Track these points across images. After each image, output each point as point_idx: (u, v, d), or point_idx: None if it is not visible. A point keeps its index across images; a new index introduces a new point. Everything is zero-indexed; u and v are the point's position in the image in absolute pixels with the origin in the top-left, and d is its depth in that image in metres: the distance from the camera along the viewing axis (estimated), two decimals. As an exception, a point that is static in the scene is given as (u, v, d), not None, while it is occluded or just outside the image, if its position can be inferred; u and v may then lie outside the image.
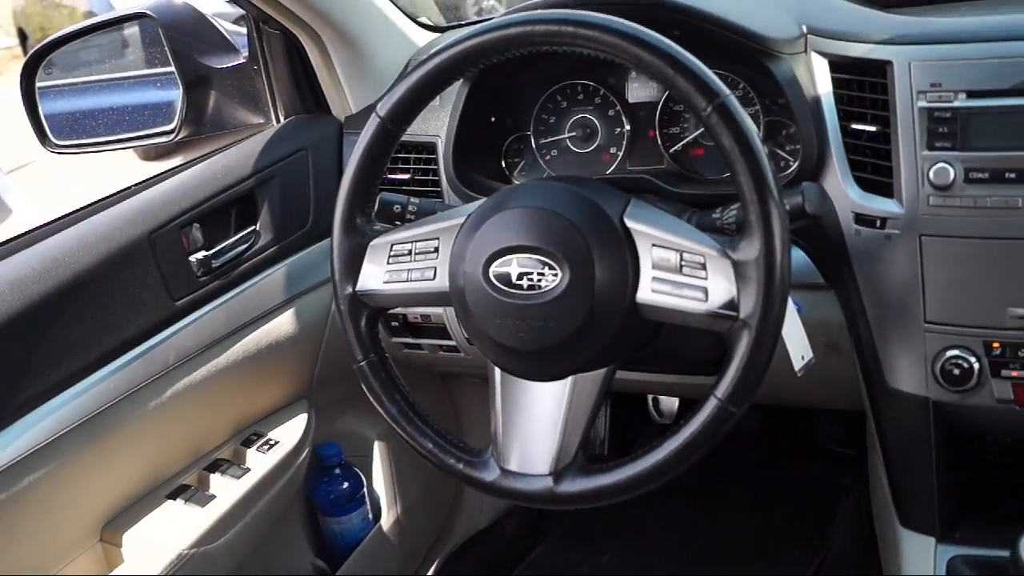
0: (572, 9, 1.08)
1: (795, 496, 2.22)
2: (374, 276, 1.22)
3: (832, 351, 1.40)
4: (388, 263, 1.22)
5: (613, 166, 1.54)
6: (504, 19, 1.11)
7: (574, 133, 1.56)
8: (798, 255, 1.36)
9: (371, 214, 1.25)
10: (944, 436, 1.32)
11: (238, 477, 1.57)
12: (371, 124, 1.19)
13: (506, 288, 1.11)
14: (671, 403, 2.09)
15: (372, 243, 1.23)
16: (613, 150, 1.55)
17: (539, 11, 1.10)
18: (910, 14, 1.35)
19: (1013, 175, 1.16)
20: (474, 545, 2.19)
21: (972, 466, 1.45)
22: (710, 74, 1.04)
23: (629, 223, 1.11)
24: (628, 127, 1.53)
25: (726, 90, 1.03)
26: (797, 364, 1.26)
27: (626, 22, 1.07)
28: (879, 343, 1.31)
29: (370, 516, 1.90)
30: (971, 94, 1.18)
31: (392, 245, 1.22)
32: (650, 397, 2.07)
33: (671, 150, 1.49)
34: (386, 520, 1.93)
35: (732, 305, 1.05)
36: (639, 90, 1.53)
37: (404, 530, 1.97)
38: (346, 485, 1.85)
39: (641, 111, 1.53)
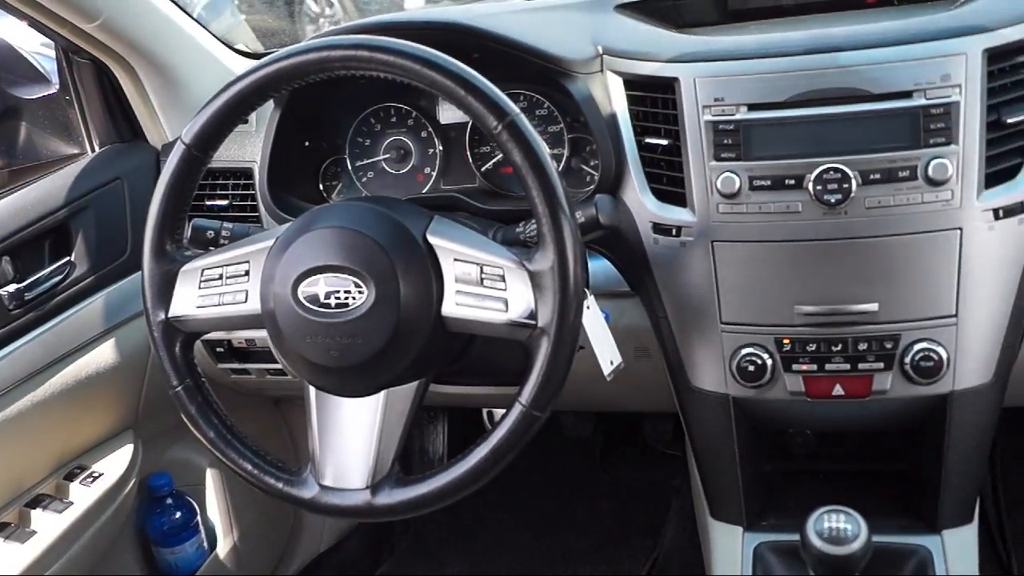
0: (375, 35, 1.12)
1: (629, 498, 2.29)
2: (186, 301, 1.22)
3: (642, 355, 1.46)
4: (200, 288, 1.22)
5: (428, 186, 1.57)
6: (302, 45, 1.14)
7: (389, 155, 1.58)
8: (604, 265, 1.42)
9: (182, 240, 1.25)
10: (746, 430, 1.40)
11: (60, 511, 1.54)
12: (176, 151, 1.19)
13: (315, 307, 1.13)
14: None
15: (183, 269, 1.22)
16: (427, 170, 1.58)
17: (337, 37, 1.13)
18: (704, 34, 1.43)
19: (792, 181, 1.24)
20: (316, 568, 2.18)
21: (776, 458, 1.53)
22: (500, 94, 1.09)
23: (432, 239, 1.15)
24: (441, 148, 1.56)
25: (515, 109, 1.08)
26: (606, 369, 1.31)
27: (419, 46, 1.10)
28: (681, 345, 1.38)
29: (205, 545, 1.88)
30: (751, 107, 1.26)
31: (203, 270, 1.22)
32: (484, 411, 2.11)
33: (482, 169, 1.53)
34: (222, 548, 1.91)
35: (531, 314, 1.10)
36: (449, 112, 1.57)
37: (242, 557, 1.94)
38: (179, 515, 1.82)
39: (453, 132, 1.57)
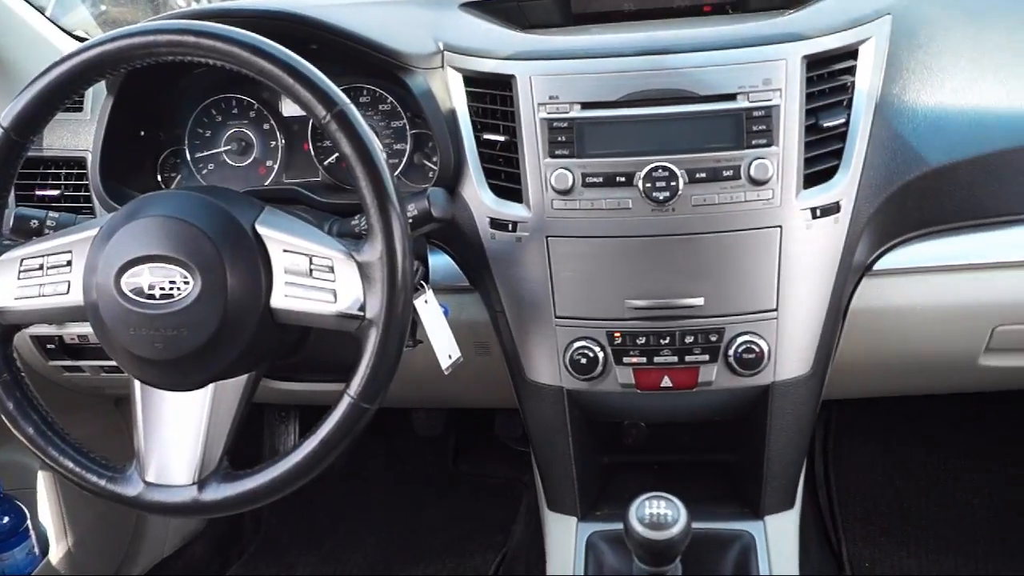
0: (209, 22, 1.10)
1: (481, 495, 2.31)
2: (3, 292, 1.18)
3: (482, 350, 1.48)
4: (19, 278, 1.18)
5: (270, 179, 1.55)
6: (128, 29, 1.11)
7: (230, 147, 1.56)
8: (444, 260, 1.43)
9: (1, 229, 1.21)
10: (580, 423, 1.43)
11: None
12: None
13: (139, 299, 1.10)
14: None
15: (0, 258, 1.18)
16: (269, 163, 1.56)
17: (165, 22, 1.11)
18: (547, 35, 1.45)
19: (623, 179, 1.28)
20: (160, 572, 2.13)
21: (612, 450, 1.57)
22: (329, 84, 1.08)
23: (261, 230, 1.14)
24: (283, 141, 1.55)
25: (345, 100, 1.08)
26: (444, 363, 1.33)
27: (248, 34, 1.09)
28: (518, 339, 1.40)
29: (36, 550, 1.81)
30: (584, 105, 1.29)
31: (22, 260, 1.18)
32: None
33: (324, 163, 1.53)
34: (55, 553, 1.84)
35: (360, 306, 1.10)
36: (292, 105, 1.55)
37: (77, 563, 1.88)
38: (7, 519, 1.75)
39: (295, 125, 1.55)
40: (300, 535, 2.26)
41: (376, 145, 1.08)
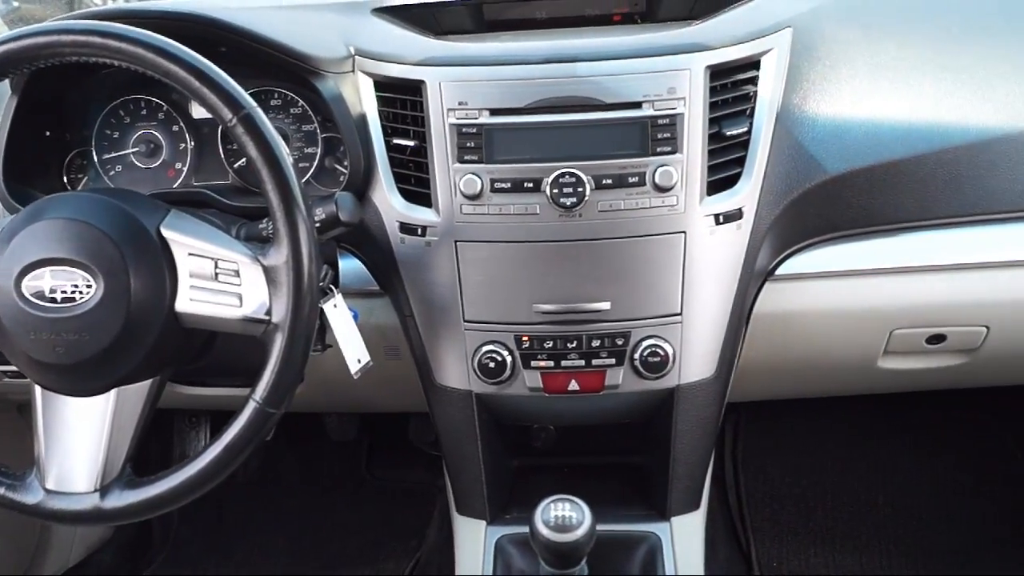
0: (117, 22, 1.09)
1: (394, 499, 2.31)
2: None
3: (392, 354, 1.48)
4: None
5: (179, 181, 1.53)
6: (32, 28, 1.10)
7: (138, 148, 1.53)
8: (355, 264, 1.43)
9: None
10: (489, 426, 1.44)
11: None
12: None
13: (40, 302, 1.09)
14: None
15: None
16: (179, 165, 1.54)
17: (71, 22, 1.09)
18: (459, 42, 1.46)
19: (531, 184, 1.29)
20: (65, 582, 2.08)
21: (521, 453, 1.58)
22: (235, 87, 1.08)
23: (166, 233, 1.13)
24: (192, 143, 1.53)
25: (251, 103, 1.08)
26: (353, 367, 1.33)
27: (154, 35, 1.08)
28: (428, 343, 1.40)
29: (-66, 561, 1.76)
30: (493, 111, 1.30)
31: None
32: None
33: (235, 166, 1.51)
34: (-46, 564, 1.79)
35: (266, 310, 1.09)
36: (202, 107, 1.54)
37: (-25, 574, 1.83)
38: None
39: (205, 128, 1.54)
40: (210, 542, 2.23)
41: (282, 149, 1.08)
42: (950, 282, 1.45)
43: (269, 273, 1.09)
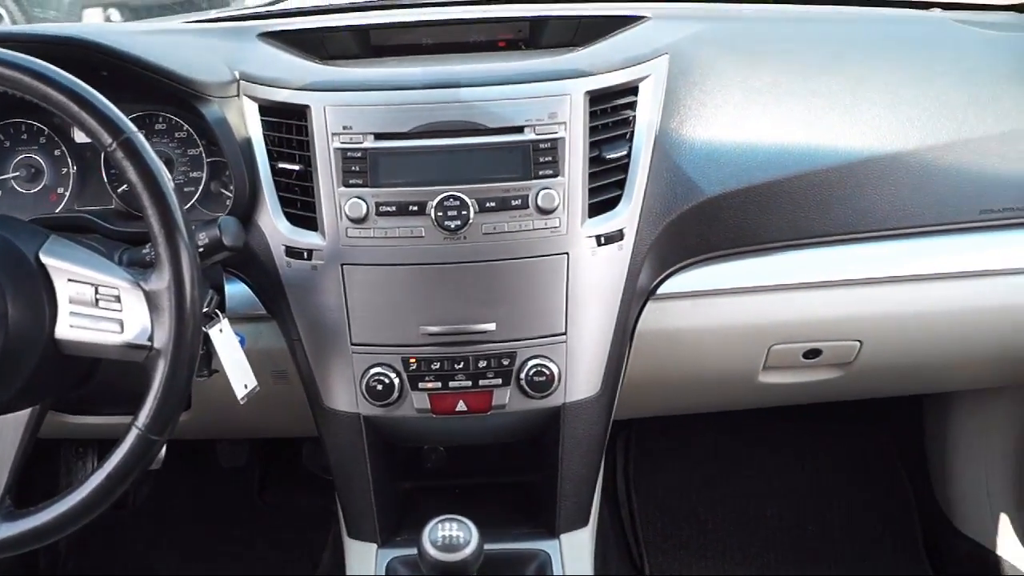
0: None
1: (288, 525, 2.28)
2: None
3: (280, 378, 1.47)
4: None
5: (61, 206, 1.50)
6: None
7: (19, 173, 1.50)
8: (241, 288, 1.42)
9: None
10: (379, 449, 1.44)
11: None
12: None
13: None
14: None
15: None
16: (61, 190, 1.51)
17: None
18: (345, 67, 1.47)
19: (415, 208, 1.30)
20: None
21: (412, 475, 1.59)
22: (115, 112, 1.07)
23: (45, 259, 1.12)
24: (75, 168, 1.50)
25: (132, 128, 1.07)
26: (240, 392, 1.32)
27: (30, 59, 1.07)
28: (315, 367, 1.40)
29: None
30: (377, 136, 1.31)
31: None
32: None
33: (118, 190, 1.49)
34: None
35: (147, 335, 1.08)
36: None
37: None
38: None
39: (88, 152, 1.51)
40: (101, 573, 2.17)
41: (163, 173, 1.08)
42: (824, 299, 1.50)
43: (151, 298, 1.09)
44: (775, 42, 1.56)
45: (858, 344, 1.56)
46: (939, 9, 1.78)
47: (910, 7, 1.80)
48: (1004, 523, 2.08)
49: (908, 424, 2.33)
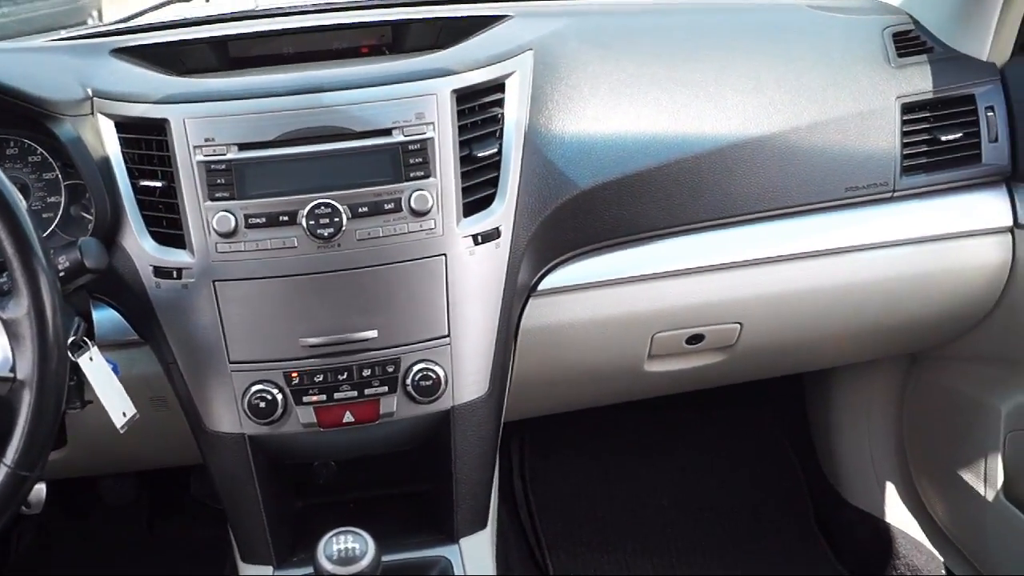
0: None
1: (180, 559, 2.21)
2: None
3: (159, 404, 1.42)
4: None
5: None
6: None
7: None
8: (111, 314, 1.37)
9: None
10: (266, 468, 1.40)
11: None
12: None
13: None
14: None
15: None
16: None
17: None
18: (204, 77, 1.43)
19: (286, 218, 1.27)
20: None
21: (305, 493, 1.55)
22: None
23: None
24: None
25: None
26: (119, 421, 1.27)
27: None
28: (194, 389, 1.35)
29: None
30: (241, 146, 1.28)
31: None
32: None
33: None
34: None
35: (9, 367, 1.03)
36: None
37: None
38: None
39: None
40: None
41: (14, 196, 1.03)
42: (702, 283, 1.53)
43: (9, 327, 1.03)
44: (639, 34, 1.58)
45: (738, 326, 1.59)
46: (794, -4, 1.83)
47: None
48: (890, 490, 2.16)
49: (792, 403, 2.39)
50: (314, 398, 1.33)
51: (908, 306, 1.67)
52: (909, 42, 1.63)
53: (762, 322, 1.60)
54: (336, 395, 1.33)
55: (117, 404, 1.28)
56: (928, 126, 1.58)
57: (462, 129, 1.34)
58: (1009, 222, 1.61)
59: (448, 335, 1.35)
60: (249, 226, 1.27)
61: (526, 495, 2.28)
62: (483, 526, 1.50)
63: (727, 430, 2.47)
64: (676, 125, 1.48)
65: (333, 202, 1.27)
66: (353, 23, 1.53)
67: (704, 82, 1.52)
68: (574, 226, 1.44)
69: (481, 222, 1.34)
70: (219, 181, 1.27)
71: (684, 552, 2.23)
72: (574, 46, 1.50)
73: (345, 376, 1.33)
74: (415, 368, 1.34)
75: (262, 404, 1.32)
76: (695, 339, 1.60)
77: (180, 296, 1.30)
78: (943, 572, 1.98)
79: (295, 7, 1.62)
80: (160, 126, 1.30)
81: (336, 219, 1.27)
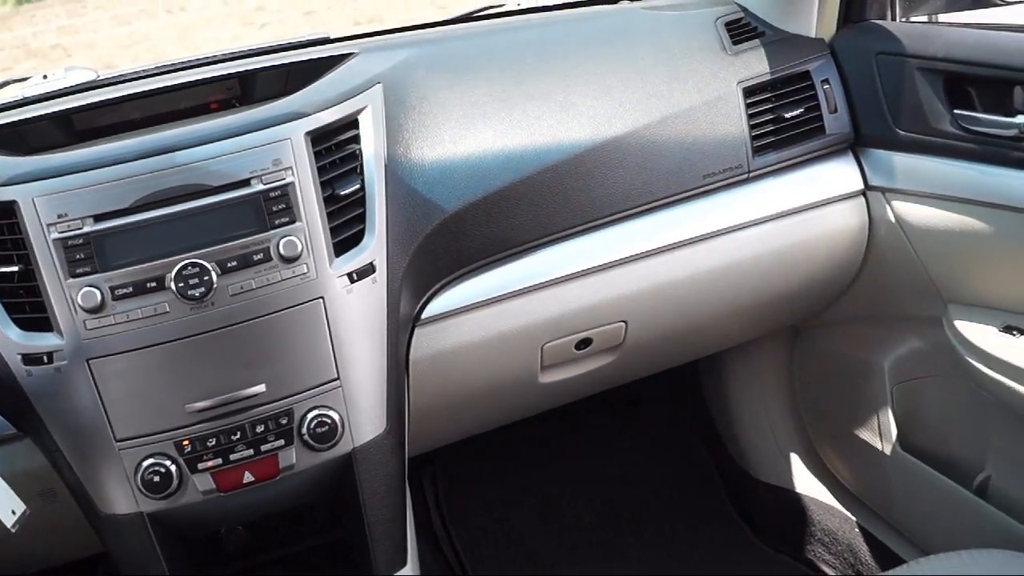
0: None
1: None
2: None
3: (50, 498, 1.37)
4: None
5: None
6: None
7: None
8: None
9: None
10: (171, 544, 1.35)
11: None
12: None
13: None
14: None
15: None
16: None
17: None
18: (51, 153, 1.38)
19: (154, 284, 1.24)
20: None
21: (217, 562, 1.51)
22: None
23: None
24: None
25: None
26: (8, 521, 1.23)
27: None
28: (83, 475, 1.30)
29: None
30: (98, 218, 1.24)
31: None
32: None
33: None
34: None
35: None
36: None
37: None
38: None
39: None
40: None
41: None
42: (582, 288, 1.55)
43: None
44: (483, 55, 1.60)
45: (623, 325, 1.62)
46: (626, 1, 1.88)
47: (600, 3, 1.89)
48: (795, 461, 2.22)
49: (690, 394, 2.44)
50: (210, 463, 1.30)
51: (781, 280, 1.72)
52: (741, 29, 1.69)
53: (645, 317, 1.63)
54: (232, 456, 1.30)
55: (5, 503, 1.23)
56: (771, 106, 1.64)
57: (322, 170, 1.33)
58: (860, 186, 1.68)
59: (338, 377, 1.33)
60: (116, 298, 1.24)
61: (446, 529, 2.26)
62: (403, 563, 1.49)
63: (633, 431, 2.50)
64: (532, 138, 1.50)
65: (200, 261, 1.25)
66: (198, 80, 1.51)
67: (553, 93, 1.55)
68: (447, 250, 1.44)
69: (354, 259, 1.33)
70: (78, 256, 1.23)
71: (613, 557, 2.24)
72: (422, 75, 1.51)
73: (239, 436, 1.30)
74: (309, 416, 1.32)
75: (156, 478, 1.28)
76: (584, 344, 1.62)
77: (54, 381, 1.26)
78: (856, 530, 2.03)
79: (137, 72, 1.59)
80: (9, 209, 1.25)
81: (206, 277, 1.25)
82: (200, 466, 1.30)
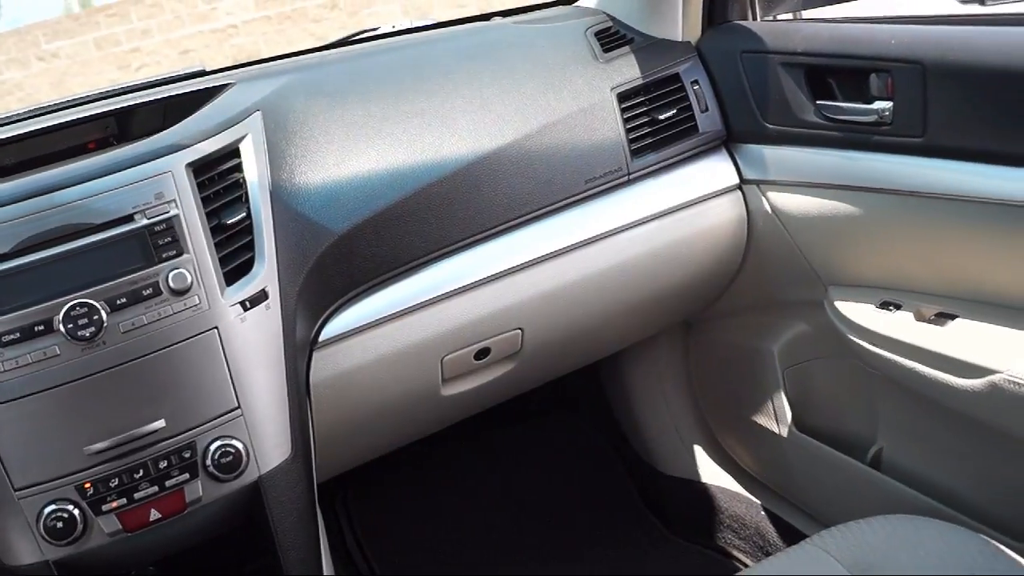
0: None
1: None
2: None
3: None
4: None
5: None
6: None
7: None
8: None
9: None
10: (81, 590, 1.33)
11: None
12: None
13: None
14: None
15: None
16: None
17: None
18: None
19: (41, 327, 1.23)
20: None
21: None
22: None
23: None
24: None
25: None
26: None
27: None
28: (-19, 529, 1.28)
29: None
30: None
31: None
32: None
33: None
34: None
35: None
36: None
37: None
38: None
39: None
40: None
41: None
42: (476, 299, 1.57)
43: None
44: (361, 77, 1.62)
45: (520, 331, 1.65)
46: (499, 17, 1.92)
47: (473, 21, 1.93)
48: (698, 452, 2.27)
49: (593, 396, 2.48)
50: (114, 504, 1.28)
51: (668, 276, 1.78)
52: (610, 37, 1.75)
53: (540, 322, 1.67)
54: (136, 495, 1.29)
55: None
56: (645, 109, 1.69)
57: (206, 200, 1.33)
58: (735, 180, 1.75)
59: (239, 406, 1.33)
60: (4, 344, 1.22)
61: (363, 555, 2.26)
62: None
63: (542, 440, 2.54)
64: (414, 155, 1.52)
65: (88, 300, 1.23)
66: (74, 120, 1.49)
67: (433, 109, 1.57)
68: (340, 271, 1.45)
69: (246, 287, 1.33)
70: None
71: (529, 564, 2.27)
72: (301, 100, 1.52)
73: (142, 473, 1.29)
74: (212, 447, 1.31)
75: (59, 524, 1.25)
76: (483, 353, 1.64)
77: None
78: (763, 513, 2.09)
79: (9, 116, 1.56)
80: None
81: (95, 317, 1.23)
82: (104, 507, 1.28)
